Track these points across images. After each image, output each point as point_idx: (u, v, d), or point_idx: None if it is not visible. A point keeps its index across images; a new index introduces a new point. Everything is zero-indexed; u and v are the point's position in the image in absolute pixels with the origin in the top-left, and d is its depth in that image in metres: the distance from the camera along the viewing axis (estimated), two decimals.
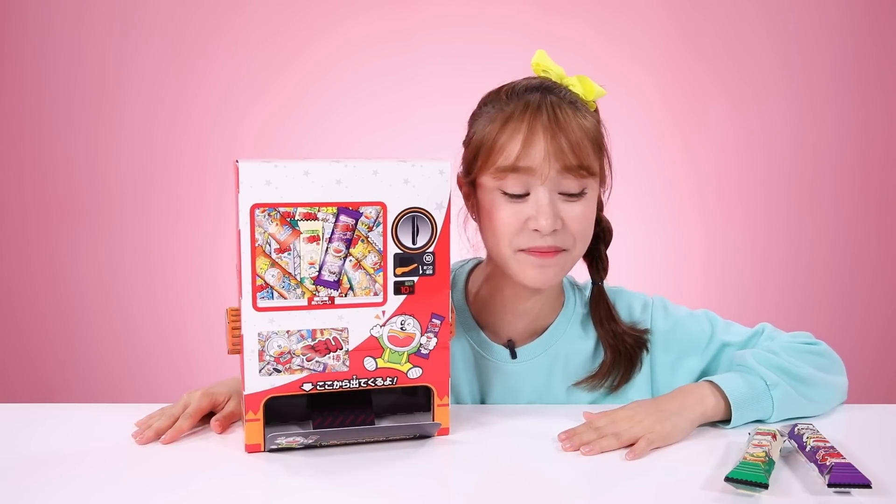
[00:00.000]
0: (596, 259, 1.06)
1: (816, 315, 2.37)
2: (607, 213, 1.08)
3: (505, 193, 0.95)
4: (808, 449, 0.83)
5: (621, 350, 1.04)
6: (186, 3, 2.28)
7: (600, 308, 1.05)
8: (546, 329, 1.06)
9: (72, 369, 2.36)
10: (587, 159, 0.94)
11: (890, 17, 2.28)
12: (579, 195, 0.95)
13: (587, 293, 1.08)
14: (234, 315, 0.86)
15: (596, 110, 1.01)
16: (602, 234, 1.06)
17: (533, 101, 0.96)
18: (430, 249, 0.89)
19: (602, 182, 1.00)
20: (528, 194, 0.94)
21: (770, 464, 0.79)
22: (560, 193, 0.94)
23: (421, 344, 0.90)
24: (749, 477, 0.76)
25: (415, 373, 0.91)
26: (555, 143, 0.92)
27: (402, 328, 0.89)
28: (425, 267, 0.89)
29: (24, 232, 2.35)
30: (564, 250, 0.96)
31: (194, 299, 2.35)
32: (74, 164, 2.33)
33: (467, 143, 1.02)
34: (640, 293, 1.10)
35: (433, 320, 0.91)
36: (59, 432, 0.94)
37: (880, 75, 2.29)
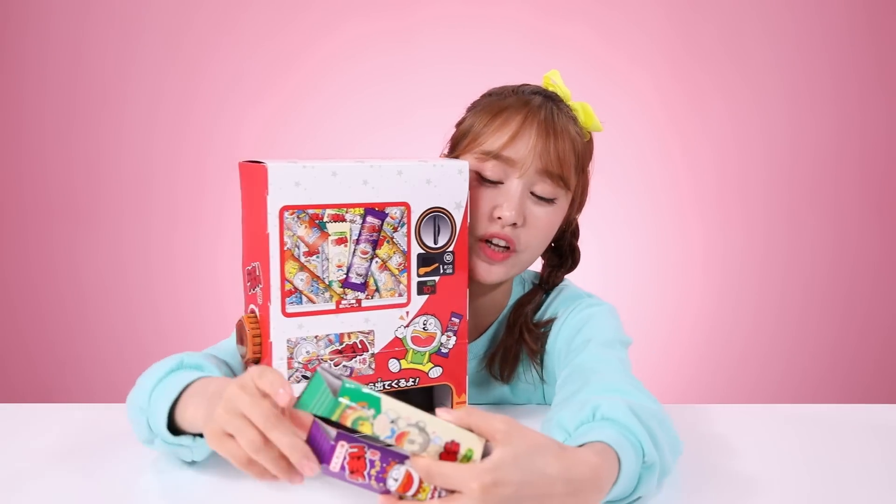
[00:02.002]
0: (551, 276, 1.06)
1: (817, 315, 2.38)
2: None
3: (480, 177, 0.95)
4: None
5: (510, 338, 1.03)
6: (187, 4, 2.27)
7: (525, 300, 1.05)
8: (490, 325, 1.06)
9: (72, 369, 2.35)
10: (568, 171, 0.95)
11: (889, 18, 2.29)
12: (549, 201, 0.96)
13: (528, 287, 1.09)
14: (254, 322, 0.84)
15: (590, 141, 1.02)
16: (571, 260, 1.07)
17: (534, 102, 0.97)
18: (451, 249, 0.90)
19: (573, 204, 1.01)
20: (502, 183, 0.95)
21: None
22: (532, 193, 0.95)
23: (441, 343, 0.90)
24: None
25: (435, 372, 0.91)
26: (543, 143, 0.94)
27: (424, 328, 0.89)
28: (446, 266, 0.90)
29: (25, 231, 2.33)
30: (515, 252, 0.96)
31: (194, 299, 2.34)
32: (75, 163, 2.32)
33: (458, 125, 1.04)
34: (591, 302, 1.04)
35: (452, 319, 0.91)
36: (58, 432, 0.93)
37: (880, 76, 2.31)
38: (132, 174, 2.32)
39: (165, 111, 2.30)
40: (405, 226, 0.86)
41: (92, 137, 2.31)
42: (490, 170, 0.94)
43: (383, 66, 2.30)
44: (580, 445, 0.70)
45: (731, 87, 2.31)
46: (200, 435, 0.78)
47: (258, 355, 0.84)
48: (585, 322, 1.00)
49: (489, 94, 1.03)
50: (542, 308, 1.05)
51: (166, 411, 0.78)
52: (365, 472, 0.64)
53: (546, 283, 1.06)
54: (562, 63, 2.25)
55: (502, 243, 0.95)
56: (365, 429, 0.62)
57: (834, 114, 2.32)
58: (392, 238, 0.86)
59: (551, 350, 1.02)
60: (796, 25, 2.30)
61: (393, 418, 0.63)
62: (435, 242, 0.89)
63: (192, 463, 0.83)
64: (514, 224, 0.94)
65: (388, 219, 0.85)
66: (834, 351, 2.39)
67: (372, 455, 0.64)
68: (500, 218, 0.93)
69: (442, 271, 0.89)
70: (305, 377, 0.84)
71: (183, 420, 0.78)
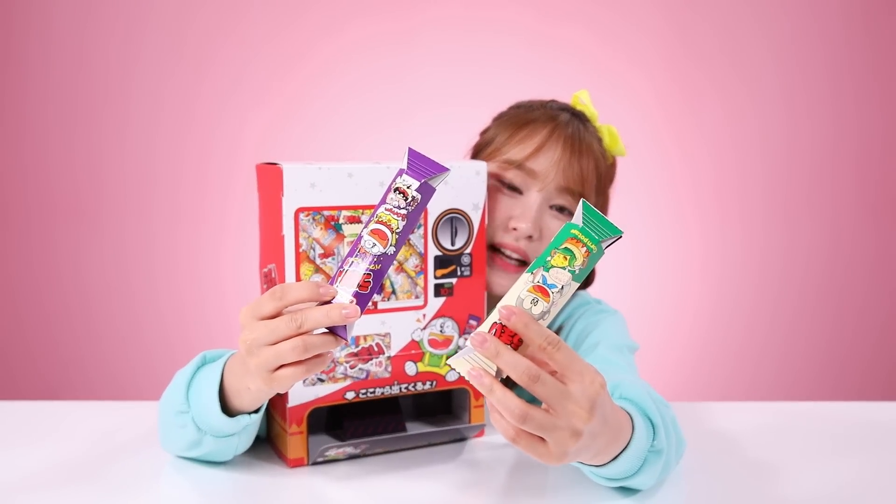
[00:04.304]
0: None
1: (812, 314, 2.39)
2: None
3: (501, 183, 0.94)
4: None
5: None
6: (189, 5, 2.25)
7: None
8: None
9: (75, 367, 2.34)
10: (589, 189, 0.95)
11: (885, 18, 2.29)
12: (568, 214, 0.96)
13: None
14: None
15: (612, 164, 1.02)
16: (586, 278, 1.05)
17: (561, 118, 0.97)
18: (468, 250, 0.88)
19: None
20: (520, 193, 0.94)
21: None
22: (550, 207, 0.95)
23: (458, 346, 0.89)
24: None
25: (453, 375, 0.89)
26: (567, 158, 0.94)
27: (441, 331, 0.88)
28: (463, 268, 0.88)
29: (29, 231, 2.32)
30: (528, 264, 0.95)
31: (197, 298, 2.33)
32: (78, 164, 2.30)
33: (482, 133, 1.03)
34: (600, 308, 1.04)
35: (470, 321, 0.89)
36: (63, 430, 0.94)
37: (875, 75, 2.31)
38: (136, 174, 2.30)
39: (168, 112, 2.28)
40: (422, 227, 0.85)
41: (95, 138, 2.29)
42: (511, 177, 0.94)
43: (385, 68, 2.28)
44: None
45: (728, 88, 2.31)
46: (256, 411, 0.76)
47: None
48: (594, 327, 1.00)
49: (517, 106, 1.03)
50: None
51: (215, 395, 0.74)
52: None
53: None
54: (560, 64, 2.27)
55: (516, 256, 0.94)
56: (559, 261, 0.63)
57: (830, 114, 2.32)
58: (408, 240, 0.84)
59: None
60: (792, 26, 2.30)
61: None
62: (452, 244, 0.87)
63: (222, 463, 0.83)
64: (530, 237, 0.93)
65: None
66: (827, 350, 2.39)
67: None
68: (515, 229, 0.93)
69: (459, 273, 0.88)
70: (321, 379, 0.82)
71: (233, 399, 0.75)
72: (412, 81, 2.28)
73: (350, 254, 0.64)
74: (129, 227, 2.31)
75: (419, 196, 0.65)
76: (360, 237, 0.65)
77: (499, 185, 0.95)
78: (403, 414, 0.91)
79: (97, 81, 2.27)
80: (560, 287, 0.62)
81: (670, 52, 2.30)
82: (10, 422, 0.96)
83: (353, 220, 0.81)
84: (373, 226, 0.64)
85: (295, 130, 2.29)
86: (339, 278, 0.64)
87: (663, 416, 0.76)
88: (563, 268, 0.62)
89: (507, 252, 0.94)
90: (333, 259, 0.81)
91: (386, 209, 0.64)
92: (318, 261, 0.81)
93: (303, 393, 0.82)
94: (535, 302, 0.62)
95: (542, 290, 0.62)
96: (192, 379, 0.79)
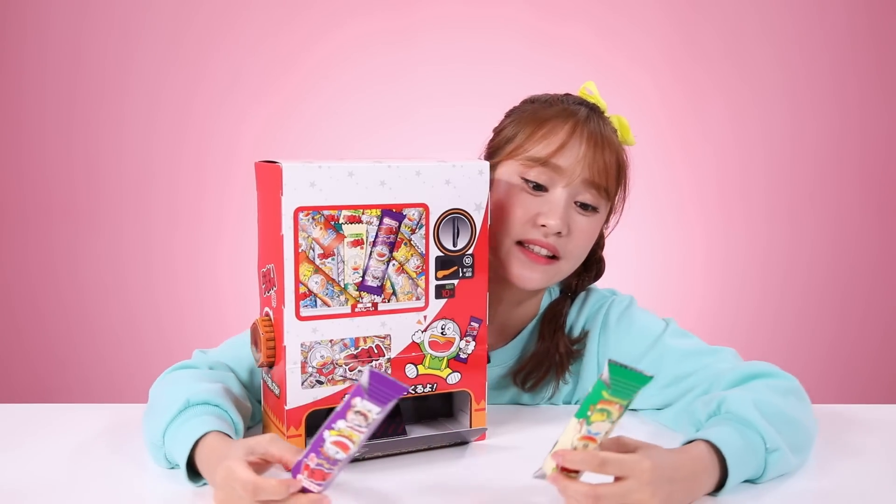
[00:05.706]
0: (578, 285, 1.06)
1: (816, 315, 2.38)
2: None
3: (526, 182, 0.95)
4: None
5: (547, 349, 1.02)
6: (186, 5, 2.24)
7: (558, 309, 1.05)
8: (518, 333, 1.05)
9: (72, 369, 2.34)
10: (612, 182, 0.97)
11: (889, 18, 2.28)
12: (592, 210, 0.96)
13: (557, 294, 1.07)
14: (268, 325, 0.82)
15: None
16: (596, 270, 1.08)
17: (580, 113, 0.97)
18: (470, 251, 0.87)
19: (608, 216, 1.02)
20: (546, 190, 0.95)
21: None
22: (575, 202, 0.95)
23: (460, 348, 0.88)
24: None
25: (454, 378, 0.88)
26: (592, 153, 0.94)
27: (442, 332, 0.87)
28: (465, 269, 0.87)
29: (25, 232, 2.31)
30: (557, 259, 0.96)
31: (194, 299, 2.33)
32: (75, 164, 2.29)
33: (498, 131, 1.02)
34: (618, 300, 1.06)
35: (472, 323, 0.88)
36: (59, 432, 0.93)
37: (880, 75, 2.30)
38: (132, 175, 2.29)
39: (165, 111, 2.27)
40: (423, 227, 0.84)
41: (92, 138, 2.28)
42: (535, 176, 0.94)
43: (383, 66, 2.27)
44: (687, 443, 0.79)
45: (731, 87, 2.30)
46: None
47: (272, 359, 0.82)
48: (629, 325, 1.02)
49: (532, 101, 1.03)
50: (572, 314, 1.05)
51: (185, 464, 0.76)
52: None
53: (572, 291, 1.06)
54: (561, 63, 2.26)
55: (544, 251, 0.95)
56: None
57: (834, 113, 2.31)
58: (410, 240, 0.83)
59: (588, 363, 1.03)
60: (796, 25, 2.29)
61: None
62: (454, 245, 0.86)
63: None
64: (559, 233, 0.94)
65: (405, 220, 0.82)
66: (831, 352, 2.38)
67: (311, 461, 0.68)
68: (543, 226, 0.93)
69: (461, 274, 0.86)
70: (319, 382, 0.81)
71: (202, 473, 0.76)
72: (412, 80, 2.27)
73: (315, 447, 0.66)
74: (126, 227, 2.31)
75: (379, 416, 0.65)
76: (322, 437, 0.66)
77: (522, 183, 0.95)
78: (404, 417, 0.90)
79: (94, 80, 2.26)
80: (605, 432, 0.70)
81: (673, 52, 2.29)
82: (6, 424, 0.96)
83: (354, 220, 0.80)
84: (335, 437, 0.66)
85: (294, 129, 2.28)
86: (305, 472, 0.67)
87: (770, 415, 0.80)
88: (604, 421, 0.69)
89: (536, 248, 0.94)
90: (333, 259, 0.80)
91: (347, 426, 0.65)
92: (317, 261, 0.79)
93: (301, 395, 0.81)
94: (586, 446, 0.71)
95: (590, 438, 0.70)
96: (169, 424, 0.79)
